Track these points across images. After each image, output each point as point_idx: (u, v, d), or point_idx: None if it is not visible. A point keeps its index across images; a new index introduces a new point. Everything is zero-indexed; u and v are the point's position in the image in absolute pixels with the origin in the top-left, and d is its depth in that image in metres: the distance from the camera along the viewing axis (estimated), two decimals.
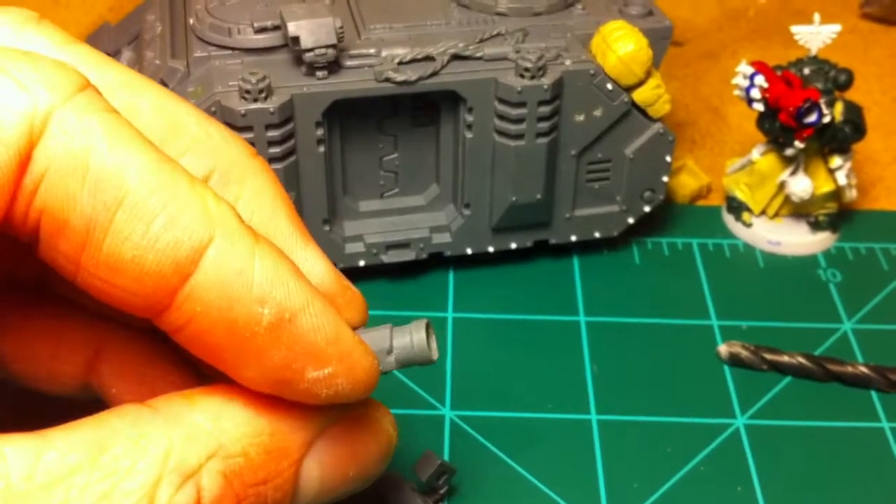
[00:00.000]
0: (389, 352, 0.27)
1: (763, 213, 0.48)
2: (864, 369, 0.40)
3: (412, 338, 0.26)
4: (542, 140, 0.41)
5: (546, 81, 0.40)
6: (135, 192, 0.21)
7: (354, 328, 0.26)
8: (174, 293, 0.22)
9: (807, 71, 0.45)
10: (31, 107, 0.21)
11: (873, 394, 0.40)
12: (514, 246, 0.45)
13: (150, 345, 0.29)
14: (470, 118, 0.41)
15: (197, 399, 0.24)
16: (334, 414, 0.26)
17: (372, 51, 0.41)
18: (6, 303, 0.29)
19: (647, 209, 0.46)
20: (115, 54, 0.47)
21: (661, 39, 0.43)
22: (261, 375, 0.23)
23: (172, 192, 0.22)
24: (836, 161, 0.46)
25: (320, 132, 0.40)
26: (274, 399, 0.24)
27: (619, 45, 0.41)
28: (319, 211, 0.42)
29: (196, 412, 0.23)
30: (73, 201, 0.21)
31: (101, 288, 0.22)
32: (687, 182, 0.50)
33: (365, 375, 0.25)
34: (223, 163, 0.26)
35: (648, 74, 0.42)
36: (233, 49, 0.41)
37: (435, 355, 0.27)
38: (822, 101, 0.43)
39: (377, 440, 0.27)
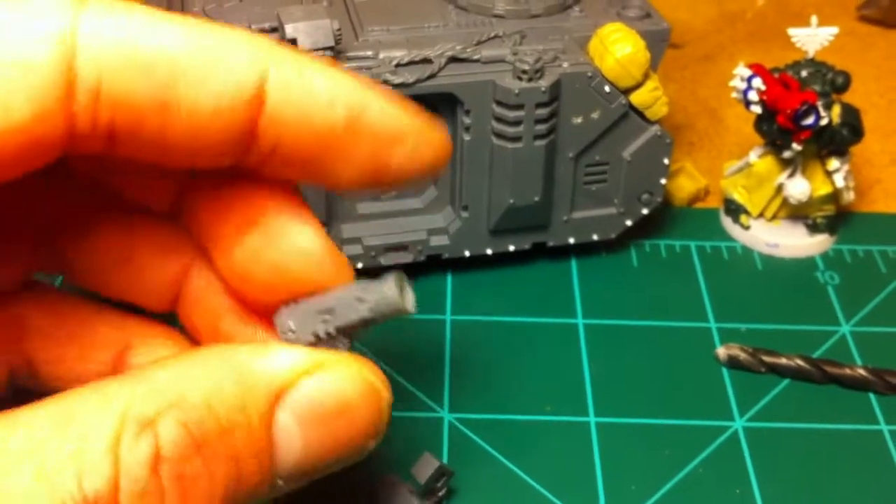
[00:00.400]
0: (361, 301, 0.26)
1: (761, 215, 0.48)
2: (862, 372, 0.40)
3: (383, 287, 0.26)
4: (540, 142, 0.41)
5: (544, 84, 0.40)
6: (187, 56, 0.23)
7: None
8: (256, 127, 0.24)
9: (804, 73, 0.45)
10: (55, 25, 0.22)
11: (871, 396, 0.40)
12: (512, 248, 0.45)
13: (176, 342, 0.30)
14: (467, 120, 0.41)
15: (164, 361, 0.24)
16: (305, 362, 0.25)
17: (369, 53, 0.41)
18: (30, 306, 0.29)
19: (644, 211, 0.46)
20: None
21: (659, 42, 0.43)
22: (355, 171, 0.25)
23: (215, 43, 0.23)
24: (833, 163, 0.46)
25: None
26: (235, 350, 0.24)
27: (617, 48, 0.41)
28: (317, 213, 0.41)
29: (160, 370, 0.23)
30: (138, 90, 0.22)
31: (190, 152, 0.24)
32: (685, 184, 0.50)
33: (442, 142, 0.27)
34: None
35: (646, 77, 0.42)
36: None
37: (410, 305, 0.26)
38: (819, 104, 0.43)
39: (366, 400, 0.26)
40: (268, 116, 0.24)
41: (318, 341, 0.26)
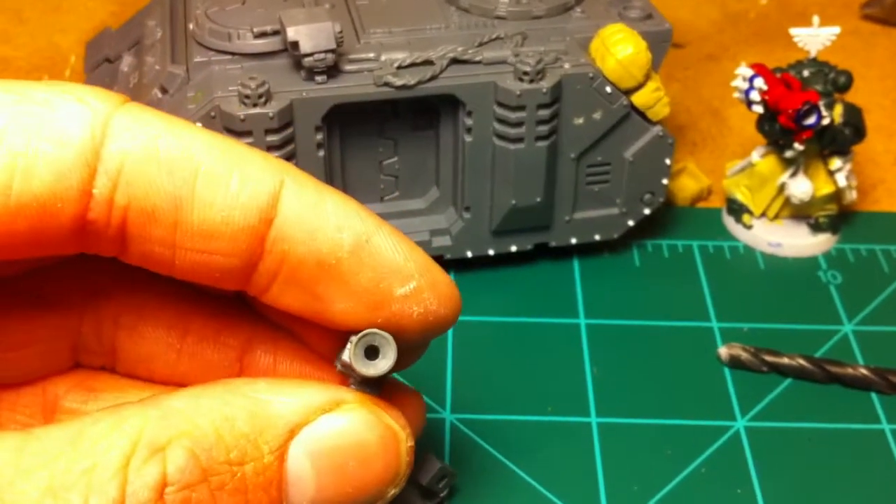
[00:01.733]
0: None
1: (763, 215, 0.48)
2: (864, 371, 0.40)
3: (343, 354, 0.26)
4: (542, 143, 0.41)
5: (545, 85, 0.40)
6: (206, 162, 0.24)
7: None
8: (263, 240, 0.24)
9: (806, 73, 0.45)
10: (90, 114, 0.23)
11: (874, 396, 0.40)
12: (514, 249, 0.45)
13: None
14: (469, 122, 0.41)
15: (182, 390, 0.24)
16: (323, 400, 0.25)
17: (371, 55, 0.41)
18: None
19: (647, 212, 0.46)
20: (116, 59, 0.48)
21: (661, 42, 0.43)
22: (354, 303, 0.25)
23: (235, 155, 0.24)
24: (835, 163, 0.46)
25: (320, 136, 0.40)
26: (253, 383, 0.24)
27: (618, 49, 0.41)
28: None
29: (175, 397, 0.24)
30: (155, 185, 0.23)
31: (199, 261, 0.24)
32: (687, 184, 0.50)
33: (448, 289, 0.27)
34: None
35: (647, 77, 0.42)
36: (232, 54, 0.41)
37: (372, 369, 0.26)
38: (821, 104, 0.43)
39: (384, 444, 0.26)
40: (276, 230, 0.24)
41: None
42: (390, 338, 0.26)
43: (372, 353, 0.26)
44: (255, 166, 0.24)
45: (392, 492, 0.26)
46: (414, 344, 0.27)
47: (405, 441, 0.26)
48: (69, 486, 0.21)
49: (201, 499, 0.22)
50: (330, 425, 0.25)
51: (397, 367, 0.28)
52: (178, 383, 0.29)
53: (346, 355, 0.26)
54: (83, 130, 0.23)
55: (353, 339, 0.26)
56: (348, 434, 0.25)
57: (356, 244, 0.25)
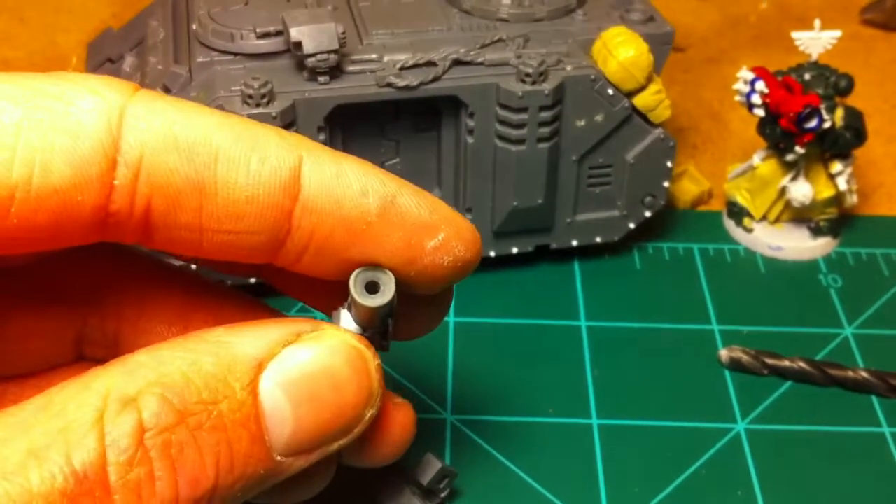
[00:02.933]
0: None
1: (764, 218, 0.48)
2: (864, 374, 0.40)
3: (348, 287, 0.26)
4: (544, 145, 0.41)
5: (547, 87, 0.40)
6: (224, 144, 0.24)
7: None
8: (290, 215, 0.25)
9: (807, 76, 0.45)
10: (105, 105, 0.23)
11: (874, 399, 0.40)
12: (515, 251, 0.45)
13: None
14: (471, 123, 0.41)
15: (145, 348, 0.25)
16: (283, 334, 0.25)
17: (374, 56, 0.41)
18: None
19: (647, 214, 0.46)
20: (118, 60, 0.48)
21: (662, 45, 0.44)
22: (388, 262, 0.26)
23: (252, 135, 0.24)
24: (836, 166, 0.46)
25: (322, 137, 0.40)
26: (213, 330, 0.25)
27: (620, 51, 0.41)
28: None
29: (137, 354, 0.24)
30: (177, 172, 0.23)
31: (227, 241, 0.25)
32: (688, 187, 0.51)
33: (471, 234, 0.27)
34: None
35: (649, 80, 0.42)
36: (235, 54, 0.41)
37: (371, 300, 0.26)
38: (822, 107, 0.43)
39: (352, 365, 0.26)
40: (302, 205, 0.25)
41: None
42: (389, 273, 0.26)
43: (372, 289, 0.26)
44: (273, 144, 0.24)
45: (370, 412, 0.26)
46: (444, 288, 0.28)
47: (372, 359, 0.26)
48: (49, 445, 0.21)
49: (182, 440, 0.23)
50: (295, 356, 0.25)
51: (431, 322, 0.30)
52: None
53: (348, 292, 0.26)
54: (99, 122, 0.23)
55: (353, 274, 0.26)
56: (315, 362, 0.25)
57: (383, 207, 0.25)
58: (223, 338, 0.24)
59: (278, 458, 0.25)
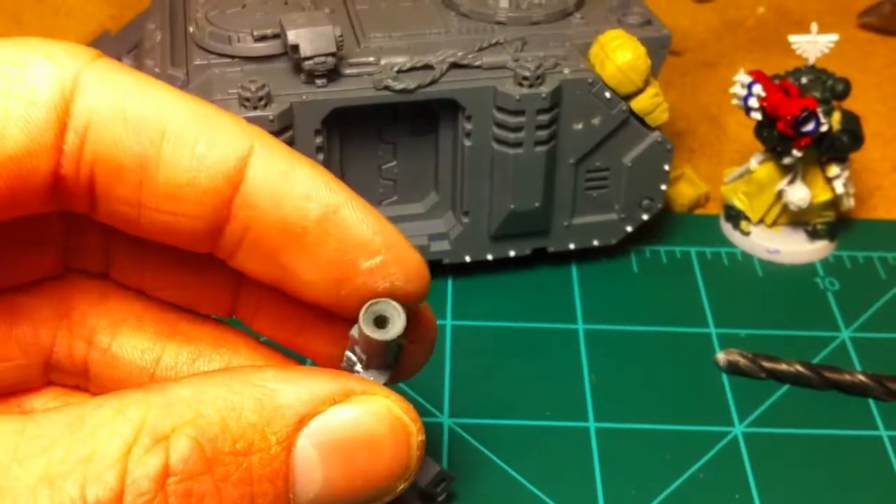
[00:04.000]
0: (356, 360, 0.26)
1: (761, 221, 0.48)
2: (861, 377, 0.40)
3: (359, 322, 0.25)
4: (541, 148, 0.41)
5: (545, 90, 0.40)
6: (174, 123, 0.23)
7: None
8: (229, 204, 0.24)
9: (804, 80, 0.45)
10: (59, 70, 0.23)
11: (871, 402, 0.40)
12: (512, 254, 0.45)
13: (253, 351, 0.30)
14: (469, 126, 0.41)
15: (188, 377, 0.24)
16: (333, 390, 0.24)
17: (371, 59, 0.41)
18: (83, 295, 0.29)
19: (645, 217, 0.46)
20: None
21: (660, 48, 0.44)
22: (319, 274, 0.25)
23: (206, 117, 0.24)
24: (833, 170, 0.46)
25: (319, 140, 0.40)
26: (261, 372, 0.24)
27: (618, 54, 0.41)
28: None
29: (180, 385, 0.23)
30: (122, 143, 0.23)
31: (165, 222, 0.24)
32: (685, 191, 0.51)
33: (417, 265, 0.26)
34: None
35: (646, 83, 0.42)
36: (232, 57, 0.41)
37: (382, 335, 0.25)
38: (819, 110, 0.43)
39: (393, 437, 0.25)
40: (242, 195, 0.24)
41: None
42: (399, 306, 0.25)
43: (381, 323, 0.25)
44: (225, 129, 0.24)
45: (402, 486, 0.25)
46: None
47: (416, 434, 0.25)
48: (65, 473, 0.20)
49: (204, 490, 0.22)
50: (340, 416, 0.24)
51: (402, 374, 0.28)
52: None
53: (358, 327, 0.25)
54: (52, 88, 0.22)
55: (364, 307, 0.25)
56: (358, 425, 0.24)
57: (323, 215, 0.24)
58: (269, 384, 0.23)
59: None
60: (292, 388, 0.24)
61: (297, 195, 0.24)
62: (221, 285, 0.29)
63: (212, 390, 0.23)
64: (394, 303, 0.25)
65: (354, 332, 0.26)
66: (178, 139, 0.23)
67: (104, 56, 0.24)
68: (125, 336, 0.29)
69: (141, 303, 0.29)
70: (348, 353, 0.27)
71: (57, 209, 0.24)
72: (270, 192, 0.24)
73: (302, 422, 0.23)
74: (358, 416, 0.24)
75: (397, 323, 0.25)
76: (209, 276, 0.29)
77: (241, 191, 0.24)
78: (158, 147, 0.23)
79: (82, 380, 0.29)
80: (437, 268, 0.45)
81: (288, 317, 0.28)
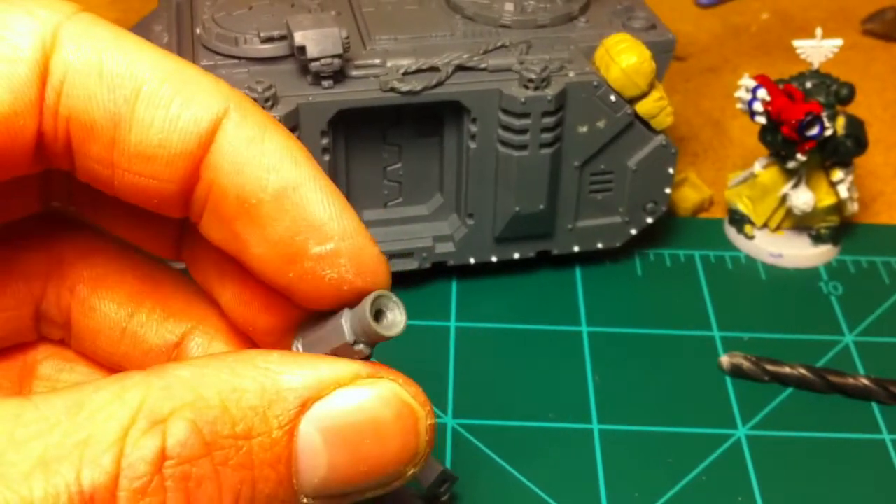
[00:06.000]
0: (345, 325, 0.25)
1: (765, 225, 0.48)
2: (865, 381, 0.40)
3: (359, 311, 0.24)
4: (546, 151, 0.42)
5: (550, 93, 0.40)
6: (149, 82, 0.23)
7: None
8: (199, 166, 0.23)
9: (809, 85, 0.45)
10: (39, 26, 0.23)
11: (874, 406, 0.40)
12: (516, 256, 0.45)
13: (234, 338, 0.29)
14: (474, 128, 0.41)
15: (190, 360, 0.24)
16: (339, 373, 0.23)
17: (377, 61, 0.41)
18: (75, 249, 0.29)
19: (649, 221, 0.46)
20: None
21: (664, 52, 0.44)
22: (268, 250, 0.24)
23: (183, 77, 0.23)
24: (837, 174, 0.46)
25: (325, 141, 0.40)
26: (265, 355, 0.23)
27: (623, 58, 0.41)
28: None
29: (181, 366, 0.23)
30: (95, 100, 0.23)
31: (137, 184, 0.24)
32: (689, 195, 0.51)
33: (371, 262, 0.25)
34: None
35: (651, 87, 0.42)
36: (239, 58, 0.41)
37: (388, 330, 0.24)
38: (823, 115, 0.44)
39: (401, 422, 0.24)
40: (209, 158, 0.23)
41: None
42: (400, 302, 0.24)
43: (379, 316, 0.24)
44: (202, 90, 0.23)
45: (411, 471, 0.24)
46: (325, 308, 0.25)
47: (425, 419, 0.24)
48: (61, 458, 0.20)
49: (203, 474, 0.21)
50: (344, 400, 0.23)
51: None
52: (117, 365, 0.29)
53: (358, 316, 0.24)
54: (33, 44, 0.22)
55: (368, 299, 0.24)
56: (363, 410, 0.23)
57: (281, 189, 0.24)
58: (273, 366, 0.23)
59: (304, 500, 0.23)
60: (297, 370, 0.23)
61: (260, 165, 0.24)
62: (167, 234, 0.29)
63: (214, 373, 0.22)
64: (395, 298, 0.25)
65: (331, 325, 0.25)
66: (152, 98, 0.23)
67: (85, 11, 0.24)
68: (104, 289, 0.28)
69: (127, 260, 0.29)
70: (296, 344, 0.26)
71: (46, 167, 0.24)
72: (234, 157, 0.23)
73: (305, 405, 0.23)
74: (363, 401, 0.23)
75: (399, 320, 0.24)
76: (156, 224, 0.28)
77: (210, 152, 0.23)
78: (132, 106, 0.23)
79: (66, 333, 0.29)
80: (442, 269, 0.46)
81: (243, 289, 0.28)
